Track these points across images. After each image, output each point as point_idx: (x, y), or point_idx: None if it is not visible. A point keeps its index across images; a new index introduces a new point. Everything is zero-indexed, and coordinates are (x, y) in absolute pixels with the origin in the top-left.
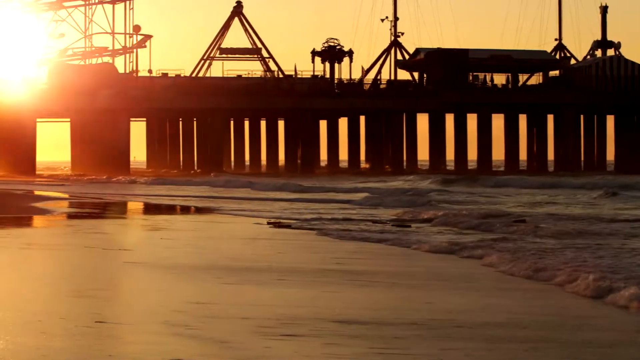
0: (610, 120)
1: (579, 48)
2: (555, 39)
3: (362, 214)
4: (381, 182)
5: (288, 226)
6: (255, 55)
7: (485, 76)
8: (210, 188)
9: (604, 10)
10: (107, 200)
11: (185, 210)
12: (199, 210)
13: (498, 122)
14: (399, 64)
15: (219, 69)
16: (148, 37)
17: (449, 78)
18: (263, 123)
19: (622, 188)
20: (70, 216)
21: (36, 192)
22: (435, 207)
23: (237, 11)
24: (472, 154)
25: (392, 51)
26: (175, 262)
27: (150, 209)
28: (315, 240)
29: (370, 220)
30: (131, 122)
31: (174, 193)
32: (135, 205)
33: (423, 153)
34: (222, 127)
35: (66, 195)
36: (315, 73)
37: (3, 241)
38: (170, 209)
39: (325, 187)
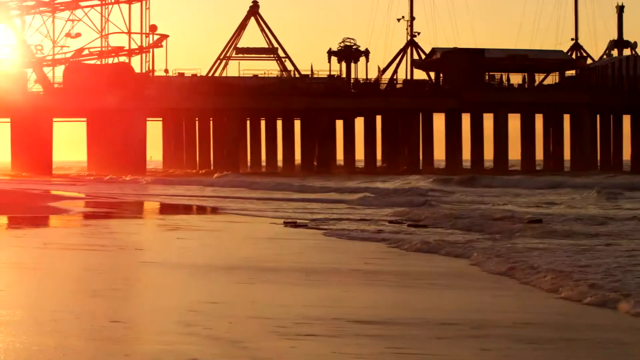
0: (626, 120)
1: (595, 48)
2: (572, 39)
3: (379, 215)
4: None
5: (304, 226)
6: (272, 55)
7: (501, 76)
8: (213, 188)
9: (620, 9)
10: (118, 200)
11: (196, 210)
12: (208, 210)
13: (514, 121)
14: (415, 64)
15: (236, 68)
16: (164, 36)
17: (465, 78)
18: (279, 123)
19: (616, 188)
20: (87, 216)
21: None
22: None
23: (254, 11)
24: (489, 153)
25: (409, 51)
26: (191, 262)
27: (163, 209)
28: (330, 240)
29: (386, 220)
30: (147, 122)
31: (175, 193)
32: (147, 205)
33: (439, 153)
34: (238, 126)
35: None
36: (332, 73)
37: (19, 241)
38: (183, 209)
39: (327, 187)
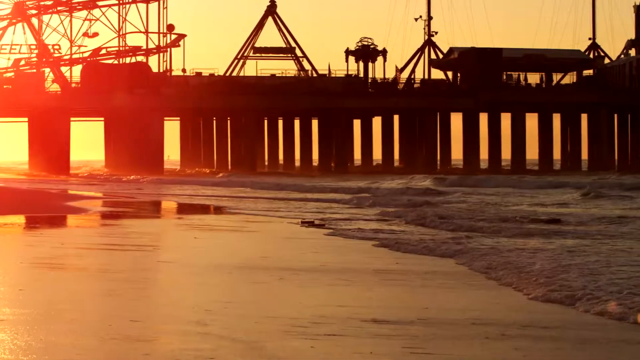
0: None
1: (612, 47)
2: (589, 38)
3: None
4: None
5: (322, 225)
6: (289, 55)
7: (519, 75)
8: (216, 188)
9: (638, 9)
10: (129, 199)
11: (208, 210)
12: (220, 210)
13: (532, 121)
14: (433, 63)
15: (253, 68)
16: (182, 36)
17: (482, 77)
18: (297, 122)
19: (607, 188)
20: (103, 215)
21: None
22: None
23: (271, 10)
24: (506, 153)
25: (426, 50)
26: (207, 262)
27: (177, 208)
28: (347, 240)
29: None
30: (165, 121)
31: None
32: (161, 205)
33: (457, 152)
34: (255, 126)
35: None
36: (349, 72)
37: (37, 240)
38: (197, 209)
39: (328, 186)
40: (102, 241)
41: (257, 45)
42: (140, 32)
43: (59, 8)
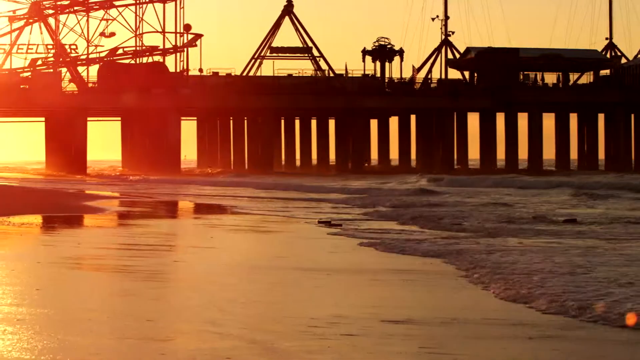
0: None
1: (629, 47)
2: (606, 38)
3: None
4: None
5: (339, 225)
6: (306, 54)
7: (535, 75)
8: (216, 187)
9: None
10: (141, 200)
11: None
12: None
13: (549, 121)
14: (450, 63)
15: (270, 68)
16: (199, 36)
17: (499, 77)
18: (314, 122)
19: (596, 188)
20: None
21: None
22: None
23: (288, 10)
24: (523, 153)
25: (443, 50)
26: (223, 261)
27: (192, 208)
28: (365, 239)
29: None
30: (182, 121)
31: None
32: (173, 205)
33: (474, 152)
34: (272, 126)
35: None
36: (366, 72)
37: (53, 240)
38: (210, 209)
39: (328, 186)
40: (117, 241)
41: (274, 45)
42: (157, 31)
43: (75, 8)
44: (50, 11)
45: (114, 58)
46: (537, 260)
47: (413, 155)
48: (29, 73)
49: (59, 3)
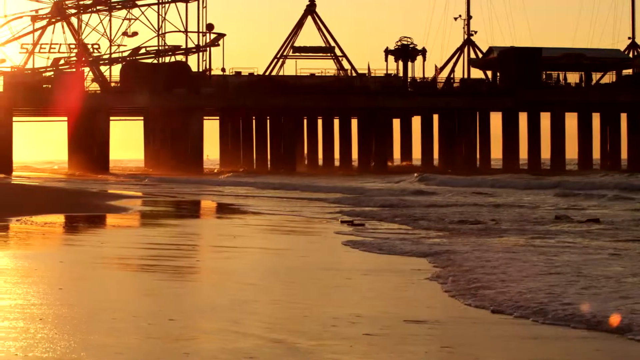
0: None
1: None
2: (629, 38)
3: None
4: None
5: (362, 224)
6: (329, 54)
7: (558, 75)
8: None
9: None
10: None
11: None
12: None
13: (571, 121)
14: (472, 63)
15: (292, 67)
16: (221, 35)
17: (522, 77)
18: (336, 122)
19: (580, 188)
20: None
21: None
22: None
23: (310, 10)
24: (546, 152)
25: (465, 50)
26: (245, 261)
27: (213, 208)
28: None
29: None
30: (204, 121)
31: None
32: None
33: (496, 152)
34: (295, 125)
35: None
36: (389, 72)
37: (76, 239)
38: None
39: (323, 186)
40: (139, 240)
41: (296, 44)
42: (180, 31)
43: (98, 7)
44: (73, 10)
45: (137, 57)
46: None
47: (436, 155)
48: (52, 73)
49: (81, 2)
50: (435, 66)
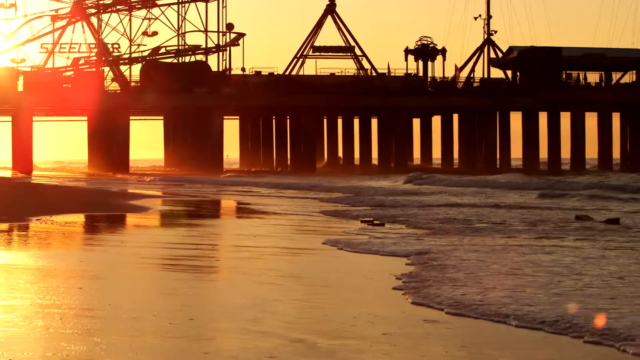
0: None
1: None
2: None
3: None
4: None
5: (381, 224)
6: (348, 53)
7: (578, 74)
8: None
9: None
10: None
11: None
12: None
13: (591, 120)
14: (492, 62)
15: (312, 67)
16: (241, 35)
17: (542, 76)
18: (356, 121)
19: (564, 188)
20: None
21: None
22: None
23: (330, 9)
24: (566, 152)
25: (485, 49)
26: (265, 261)
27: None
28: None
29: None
30: (224, 120)
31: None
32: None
33: (516, 151)
34: (315, 125)
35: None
36: (408, 71)
37: (96, 238)
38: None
39: (321, 185)
40: (159, 240)
41: (316, 44)
42: (200, 31)
43: (118, 7)
44: (93, 10)
45: (157, 57)
46: None
47: (456, 155)
48: (72, 72)
49: (101, 2)
50: (455, 66)
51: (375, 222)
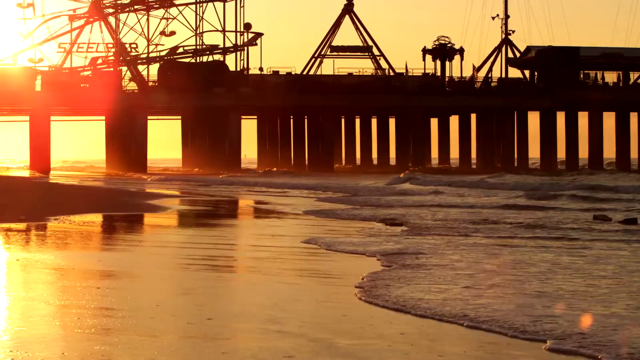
0: None
1: None
2: None
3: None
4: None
5: (400, 224)
6: (366, 53)
7: (596, 74)
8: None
9: None
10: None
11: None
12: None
13: (609, 120)
14: (510, 62)
15: (330, 66)
16: (259, 34)
17: (560, 76)
18: (374, 121)
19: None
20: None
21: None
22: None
23: (348, 9)
24: (584, 152)
25: (503, 49)
26: (283, 261)
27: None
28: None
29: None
30: (242, 120)
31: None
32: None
33: (534, 151)
34: (333, 124)
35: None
36: (426, 71)
37: (114, 238)
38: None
39: (318, 185)
40: (177, 240)
41: (334, 43)
42: (218, 30)
43: (136, 7)
44: (111, 10)
45: (174, 57)
46: None
47: (473, 155)
48: (89, 72)
49: (119, 2)
50: (473, 65)
51: (394, 222)
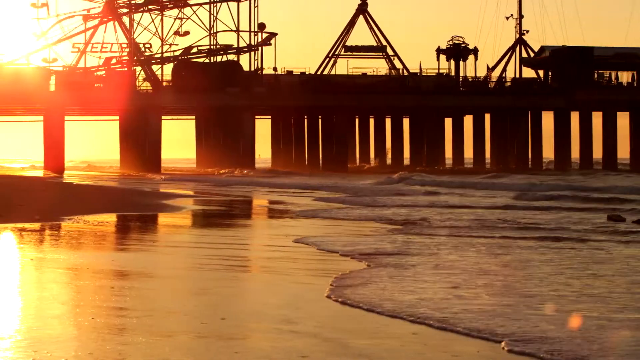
0: None
1: None
2: None
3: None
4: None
5: (413, 223)
6: (380, 53)
7: (610, 74)
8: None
9: None
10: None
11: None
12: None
13: (623, 120)
14: (524, 62)
15: (344, 66)
16: (273, 34)
17: (574, 76)
18: (388, 121)
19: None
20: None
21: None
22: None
23: (362, 9)
24: (598, 152)
25: (517, 49)
26: (296, 262)
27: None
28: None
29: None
30: (256, 120)
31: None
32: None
33: (548, 151)
34: (347, 124)
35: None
36: (440, 71)
37: (128, 238)
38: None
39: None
40: (191, 240)
41: (348, 43)
42: (232, 30)
43: (150, 6)
44: (125, 10)
45: (188, 57)
46: None
47: (488, 154)
48: (104, 72)
49: (133, 2)
50: (487, 65)
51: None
